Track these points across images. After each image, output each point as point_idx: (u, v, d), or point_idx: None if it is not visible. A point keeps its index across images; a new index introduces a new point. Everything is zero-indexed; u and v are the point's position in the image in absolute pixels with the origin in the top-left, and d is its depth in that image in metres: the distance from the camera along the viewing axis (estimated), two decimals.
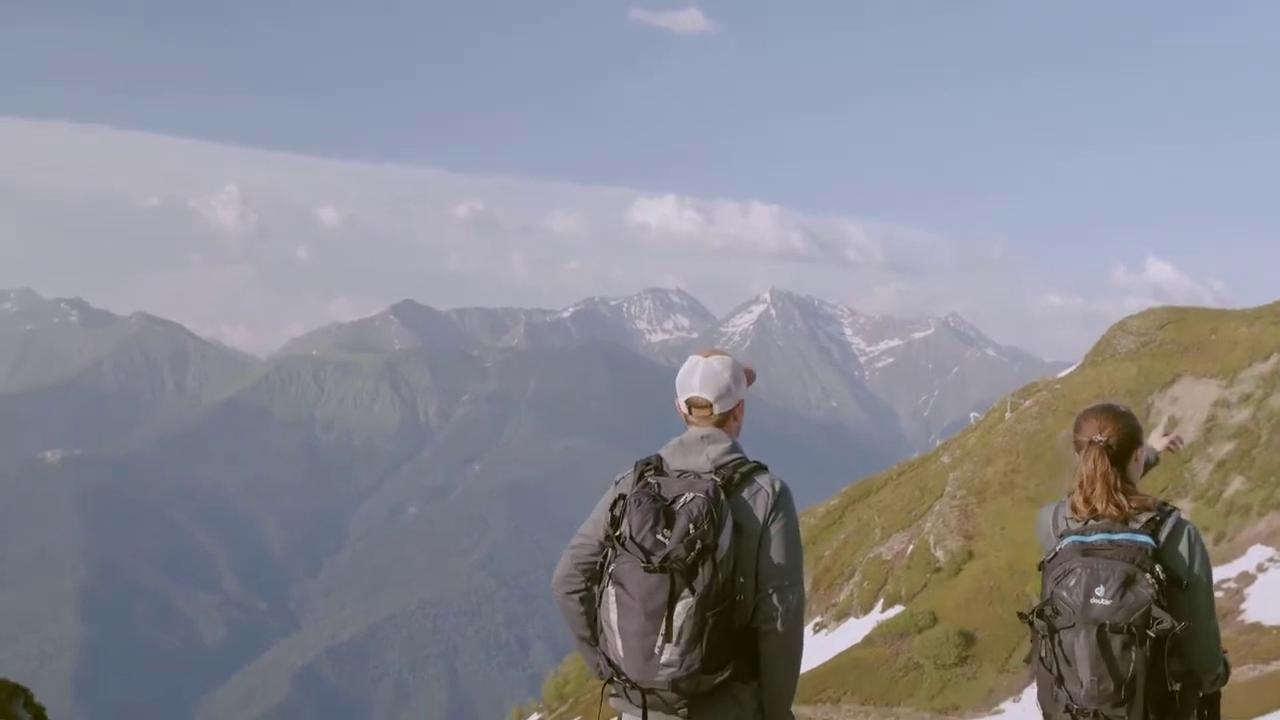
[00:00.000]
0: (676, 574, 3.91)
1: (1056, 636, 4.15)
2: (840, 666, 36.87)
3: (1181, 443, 5.39)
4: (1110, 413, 4.43)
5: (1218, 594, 31.34)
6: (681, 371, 4.44)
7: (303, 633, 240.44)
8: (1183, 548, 4.15)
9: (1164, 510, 4.23)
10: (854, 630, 41.45)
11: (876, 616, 41.26)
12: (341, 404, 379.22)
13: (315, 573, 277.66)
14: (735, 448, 4.33)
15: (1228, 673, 4.41)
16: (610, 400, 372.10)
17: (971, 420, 59.74)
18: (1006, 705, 30.58)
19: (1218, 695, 4.34)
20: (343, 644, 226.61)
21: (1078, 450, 4.43)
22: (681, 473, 4.20)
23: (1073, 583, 4.12)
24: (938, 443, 76.07)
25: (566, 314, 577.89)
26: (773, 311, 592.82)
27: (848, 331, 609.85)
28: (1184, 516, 4.31)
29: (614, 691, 4.21)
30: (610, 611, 4.05)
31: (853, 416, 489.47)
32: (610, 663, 4.13)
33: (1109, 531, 4.19)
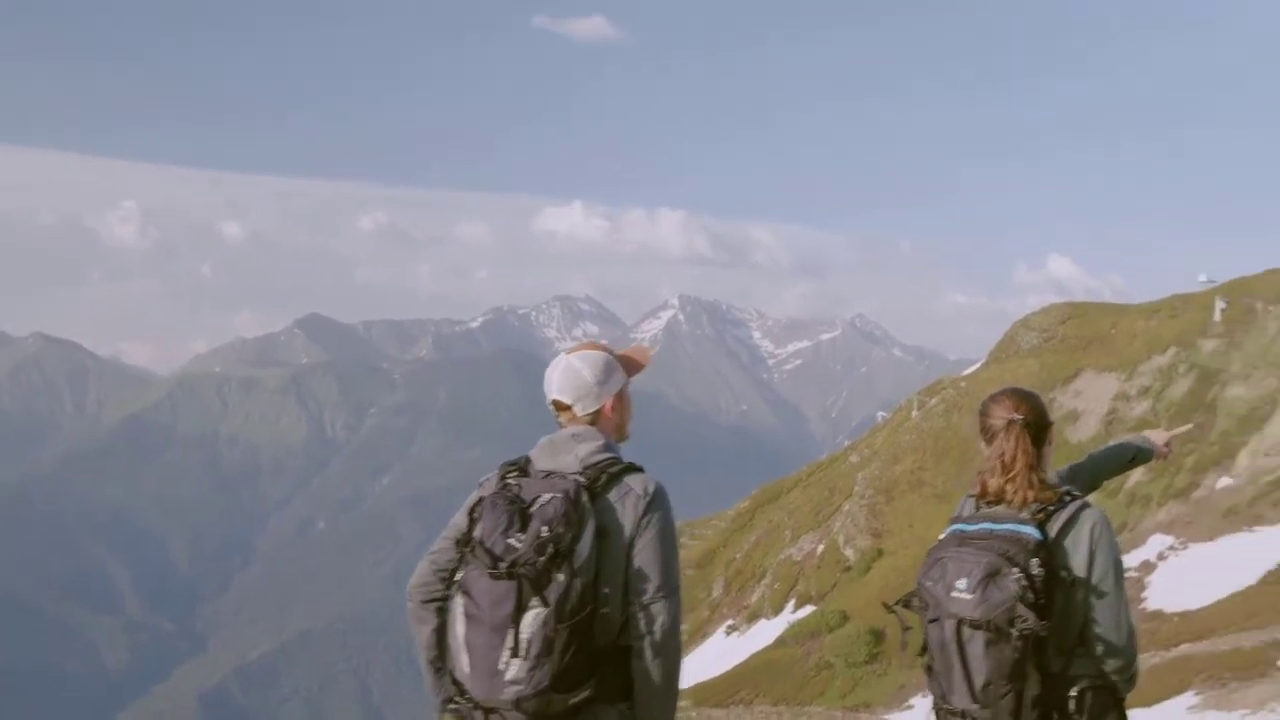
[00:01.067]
0: (525, 580, 3.54)
1: (926, 630, 3.83)
2: (753, 668, 36.80)
3: (1170, 450, 4.90)
4: (1019, 394, 4.04)
5: None
6: (547, 370, 4.13)
7: (210, 653, 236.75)
8: (1076, 541, 3.76)
9: (1063, 501, 3.85)
10: (766, 631, 41.41)
11: (788, 617, 41.26)
12: (247, 419, 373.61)
13: (224, 590, 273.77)
14: (608, 447, 3.97)
15: (1136, 674, 3.94)
16: (521, 408, 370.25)
17: (879, 419, 60.15)
18: (916, 700, 30.56)
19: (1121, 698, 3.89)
20: (251, 663, 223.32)
21: (989, 435, 4.01)
22: (548, 474, 3.85)
23: (938, 573, 3.79)
24: (846, 443, 76.55)
25: (475, 324, 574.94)
26: (681, 317, 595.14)
27: (756, 335, 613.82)
28: (1091, 507, 3.91)
29: (455, 710, 3.76)
30: (458, 624, 3.69)
31: (762, 419, 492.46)
32: (455, 681, 3.73)
33: (995, 521, 3.81)
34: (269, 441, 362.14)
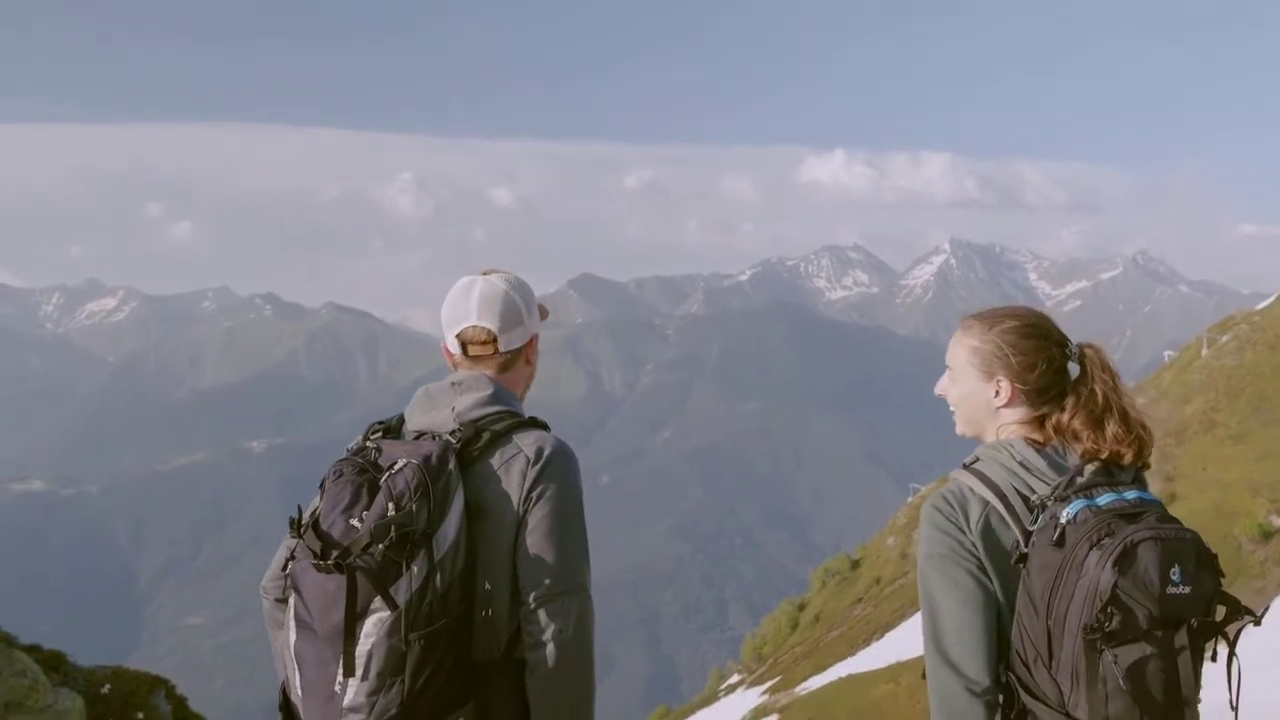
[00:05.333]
0: (361, 575, 2.57)
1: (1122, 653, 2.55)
2: None
3: None
4: (1045, 318, 3.05)
5: None
6: (450, 296, 3.14)
7: None
8: None
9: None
10: None
11: None
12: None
13: None
14: (499, 397, 3.02)
15: None
16: (793, 360, 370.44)
17: (1166, 359, 57.96)
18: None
19: None
20: None
21: (1057, 363, 2.91)
22: (419, 435, 2.94)
23: (1149, 562, 2.55)
24: (1132, 385, 74.13)
25: (744, 277, 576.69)
26: (953, 261, 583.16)
27: (1032, 277, 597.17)
28: None
29: None
30: (289, 631, 2.72)
31: None
32: (286, 706, 2.79)
33: (1116, 487, 2.66)
34: (550, 400, 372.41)
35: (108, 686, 11.49)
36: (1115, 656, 2.40)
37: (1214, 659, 2.53)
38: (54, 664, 11.93)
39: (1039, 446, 2.78)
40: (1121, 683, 2.39)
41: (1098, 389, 2.86)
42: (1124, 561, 2.40)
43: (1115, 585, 2.40)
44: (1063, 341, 2.93)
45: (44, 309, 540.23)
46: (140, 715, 10.31)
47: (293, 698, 2.73)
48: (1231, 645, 2.60)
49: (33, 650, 11.68)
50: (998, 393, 2.87)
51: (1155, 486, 40.63)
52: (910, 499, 59.65)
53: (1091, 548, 2.44)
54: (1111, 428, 2.78)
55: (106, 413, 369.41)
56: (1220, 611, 2.49)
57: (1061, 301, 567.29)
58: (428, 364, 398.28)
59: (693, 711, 52.91)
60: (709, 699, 53.87)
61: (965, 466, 2.80)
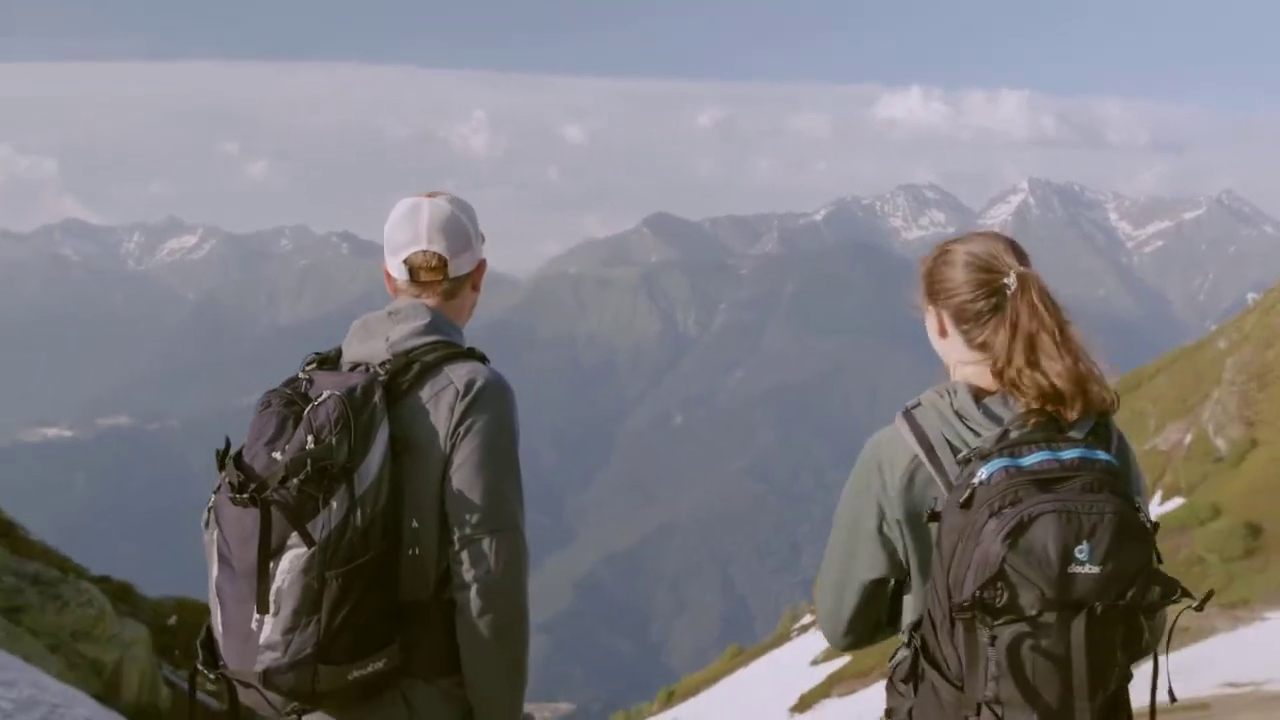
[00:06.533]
0: (276, 509, 2.48)
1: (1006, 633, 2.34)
2: None
3: None
4: (1010, 241, 2.62)
5: None
6: (394, 219, 2.95)
7: (579, 543, 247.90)
8: (1133, 470, 2.52)
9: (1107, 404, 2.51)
10: None
11: (1154, 510, 40.11)
12: (601, 318, 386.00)
13: (588, 485, 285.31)
14: (435, 327, 2.88)
15: None
16: (869, 300, 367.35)
17: (1249, 302, 56.84)
18: None
19: None
20: (618, 554, 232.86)
21: (983, 296, 2.55)
22: (355, 365, 2.82)
23: (1039, 537, 2.32)
24: (1213, 327, 72.83)
25: (819, 216, 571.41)
26: (1031, 200, 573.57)
27: (1113, 216, 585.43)
28: None
29: (217, 680, 2.66)
30: (211, 566, 2.61)
31: (1121, 304, 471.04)
32: (209, 642, 2.65)
33: (1054, 446, 2.34)
34: (624, 339, 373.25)
35: (174, 618, 11.67)
36: (994, 637, 2.22)
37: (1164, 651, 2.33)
38: (122, 595, 12.11)
39: (982, 394, 2.51)
40: (998, 665, 2.22)
41: (1022, 323, 2.45)
42: (1017, 535, 2.19)
43: (1004, 560, 2.19)
44: (1004, 269, 2.51)
45: (125, 246, 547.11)
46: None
47: (215, 634, 2.62)
48: (1168, 634, 2.41)
49: (101, 581, 11.86)
50: (937, 325, 2.67)
51: (1235, 432, 39.91)
52: None
53: (991, 516, 2.23)
54: (1039, 372, 2.42)
55: (187, 349, 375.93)
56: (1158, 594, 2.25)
57: (1143, 242, 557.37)
58: (503, 304, 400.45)
59: (766, 651, 53.13)
60: (781, 638, 54.09)
61: (906, 410, 2.58)
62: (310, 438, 2.52)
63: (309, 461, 2.49)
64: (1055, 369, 2.41)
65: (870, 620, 2.71)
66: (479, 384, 2.76)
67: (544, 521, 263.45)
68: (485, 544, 2.67)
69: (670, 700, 50.66)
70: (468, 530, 2.67)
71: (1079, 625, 2.17)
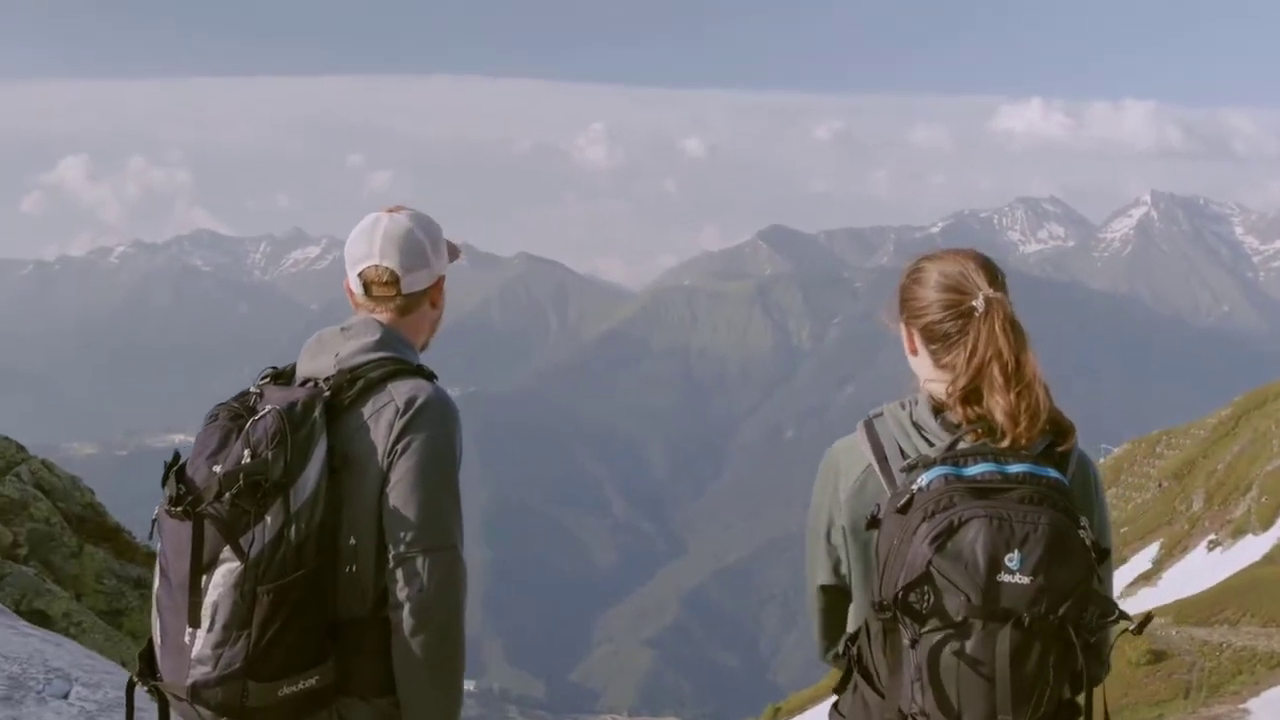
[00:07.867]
0: (210, 524, 2.49)
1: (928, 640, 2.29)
2: (1237, 586, 35.32)
3: None
4: (986, 260, 2.58)
5: None
6: (354, 233, 2.95)
7: (689, 556, 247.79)
8: (1087, 491, 2.49)
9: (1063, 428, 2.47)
10: (1252, 548, 39.58)
11: (1277, 534, 39.09)
12: (715, 331, 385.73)
13: (698, 496, 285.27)
14: (386, 343, 2.83)
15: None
16: None
17: None
18: None
19: None
20: (728, 567, 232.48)
21: (951, 318, 2.51)
22: (305, 380, 2.80)
23: (966, 543, 2.29)
24: None
25: (936, 229, 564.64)
26: (1154, 214, 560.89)
27: (1239, 230, 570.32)
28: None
29: (153, 691, 2.65)
30: (155, 578, 2.64)
31: (1245, 320, 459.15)
32: (148, 653, 2.65)
33: (1000, 459, 2.33)
34: (737, 352, 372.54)
35: None
36: (914, 641, 2.18)
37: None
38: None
39: (942, 406, 2.49)
40: (918, 670, 2.18)
41: (979, 350, 2.43)
42: (945, 538, 2.16)
43: (930, 563, 2.16)
44: (972, 291, 2.48)
45: (251, 257, 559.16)
46: None
47: (154, 646, 2.62)
48: (1099, 651, 2.30)
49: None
50: (908, 343, 2.65)
51: None
52: (1101, 459, 57.94)
53: (924, 519, 2.21)
54: (979, 406, 2.42)
55: None
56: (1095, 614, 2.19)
57: (1270, 257, 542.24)
58: (618, 315, 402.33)
59: None
60: None
61: (867, 420, 2.61)
62: (247, 452, 2.52)
63: (241, 476, 2.48)
64: (998, 403, 2.38)
65: (838, 631, 2.68)
66: (420, 401, 2.71)
67: (653, 532, 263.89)
68: (419, 562, 2.62)
69: (776, 717, 50.25)
70: (402, 548, 2.63)
71: (1005, 635, 2.11)
